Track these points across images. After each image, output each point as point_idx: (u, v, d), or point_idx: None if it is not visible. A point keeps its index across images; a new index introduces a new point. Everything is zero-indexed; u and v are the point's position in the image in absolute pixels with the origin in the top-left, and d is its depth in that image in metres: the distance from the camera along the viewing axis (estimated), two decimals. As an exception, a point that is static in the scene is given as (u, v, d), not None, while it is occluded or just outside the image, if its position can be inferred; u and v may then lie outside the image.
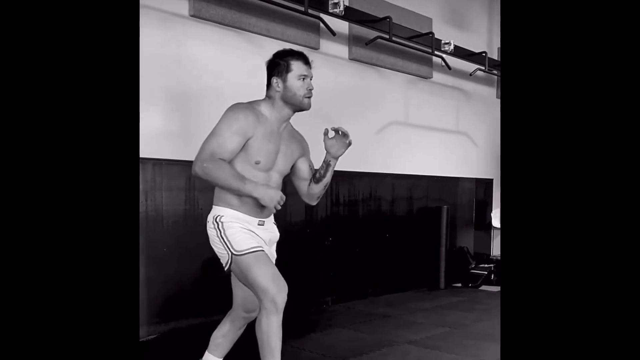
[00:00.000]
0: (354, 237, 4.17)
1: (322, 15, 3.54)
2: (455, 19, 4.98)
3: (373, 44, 4.00)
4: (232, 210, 2.00)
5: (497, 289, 4.77)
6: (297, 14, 3.48)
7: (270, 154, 2.03)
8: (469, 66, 4.82)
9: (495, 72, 5.00)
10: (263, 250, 2.01)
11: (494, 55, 5.25)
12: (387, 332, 3.34)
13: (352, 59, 4.04)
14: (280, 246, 3.67)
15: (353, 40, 4.00)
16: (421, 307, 4.04)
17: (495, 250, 5.44)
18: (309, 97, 2.11)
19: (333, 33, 3.56)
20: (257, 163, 2.01)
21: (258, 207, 2.01)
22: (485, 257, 5.21)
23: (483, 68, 4.78)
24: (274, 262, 2.12)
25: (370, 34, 3.93)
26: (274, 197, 1.93)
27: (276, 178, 2.11)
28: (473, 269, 4.88)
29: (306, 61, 2.09)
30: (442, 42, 4.40)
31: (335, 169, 4.03)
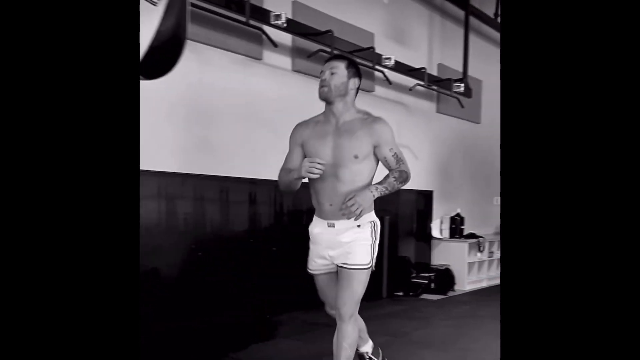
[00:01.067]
0: (298, 247, 4.17)
1: (264, 27, 3.57)
2: (396, 34, 5.14)
3: (316, 57, 4.06)
4: (315, 217, 2.33)
5: (437, 297, 4.89)
6: (238, 25, 3.49)
7: (319, 150, 2.22)
8: (410, 81, 4.97)
9: (434, 87, 5.17)
10: (316, 272, 2.42)
11: (434, 71, 5.44)
12: (330, 342, 3.31)
13: (296, 70, 4.09)
14: (223, 255, 3.65)
15: (296, 52, 4.06)
16: (364, 315, 4.04)
17: (435, 259, 5.58)
18: (321, 87, 2.26)
19: (275, 44, 3.59)
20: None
21: (324, 209, 2.22)
22: (426, 266, 5.35)
23: (422, 83, 4.94)
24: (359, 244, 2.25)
25: (313, 46, 4.00)
26: (305, 165, 2.08)
27: (328, 169, 2.16)
28: (414, 278, 4.99)
29: (326, 60, 2.35)
30: (383, 56, 4.52)
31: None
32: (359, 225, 2.19)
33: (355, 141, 2.17)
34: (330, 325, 3.81)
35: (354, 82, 2.25)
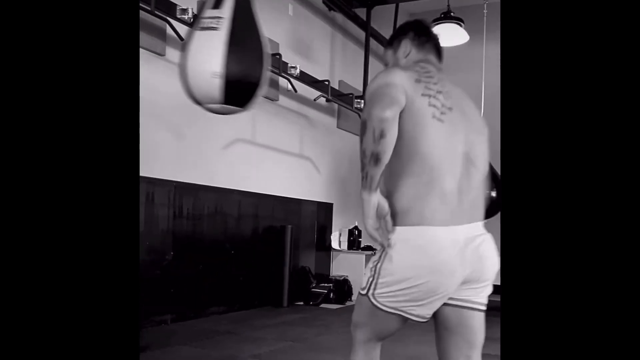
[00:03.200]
0: (197, 253, 4.01)
1: (170, 21, 3.46)
2: (300, 47, 5.24)
3: (221, 59, 4.01)
4: None
5: (336, 306, 4.93)
6: (143, 16, 3.36)
7: None
8: (313, 93, 5.06)
9: (336, 102, 5.32)
10: None
11: (335, 86, 5.60)
12: (230, 348, 3.23)
13: (200, 71, 4.00)
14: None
15: (201, 52, 3.97)
16: (265, 323, 3.99)
17: (335, 270, 5.65)
18: None
19: (181, 38, 3.49)
20: None
21: None
22: (326, 277, 5.39)
23: (326, 95, 5.06)
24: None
25: (219, 47, 3.94)
26: None
27: None
28: (314, 287, 5.00)
29: None
30: (289, 65, 4.57)
31: (179, 180, 3.90)
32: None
33: None
34: (230, 332, 3.69)
35: (403, 49, 1.59)
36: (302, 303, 4.88)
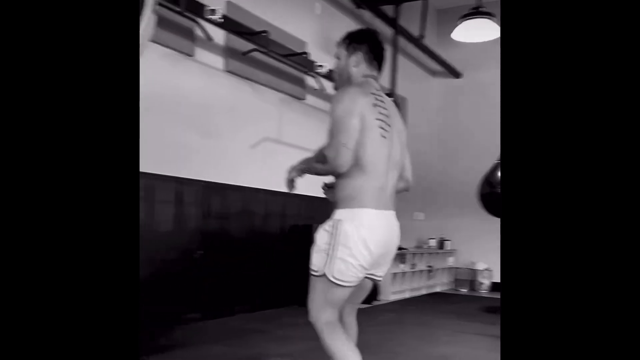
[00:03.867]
0: (224, 252, 4.04)
1: (199, 21, 3.49)
2: (328, 46, 5.22)
3: (249, 59, 4.03)
4: None
5: (363, 305, 4.89)
6: (171, 17, 3.39)
7: None
8: (340, 91, 5.04)
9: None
10: None
11: (362, 84, 5.57)
12: (258, 347, 3.24)
13: (228, 70, 4.02)
14: (145, 257, 3.45)
15: (229, 52, 3.99)
16: (293, 322, 3.99)
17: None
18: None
19: (209, 38, 3.51)
20: None
21: None
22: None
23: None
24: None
25: (246, 47, 3.96)
26: None
27: None
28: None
29: None
30: (316, 63, 4.56)
31: (208, 179, 3.93)
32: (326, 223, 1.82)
33: None
34: (259, 330, 3.71)
35: (355, 58, 1.89)
36: (329, 302, 4.87)
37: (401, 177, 1.94)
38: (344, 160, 1.70)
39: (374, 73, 1.91)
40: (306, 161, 1.90)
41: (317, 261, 1.81)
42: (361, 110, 1.73)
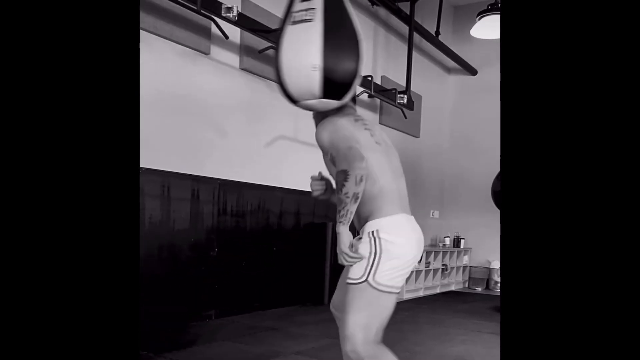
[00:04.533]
0: (240, 249, 4.05)
1: (215, 19, 3.49)
2: (342, 43, 5.20)
3: (264, 57, 4.02)
4: None
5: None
6: (188, 15, 3.40)
7: None
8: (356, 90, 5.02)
9: (379, 97, 5.26)
10: None
11: (378, 81, 5.54)
12: (272, 344, 3.25)
13: (243, 68, 4.02)
14: (162, 254, 3.48)
15: (244, 50, 3.99)
16: (307, 320, 4.01)
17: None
18: None
19: (225, 36, 3.52)
20: None
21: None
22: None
23: (369, 91, 5.01)
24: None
25: (262, 44, 3.95)
26: None
27: None
28: (356, 285, 4.97)
29: None
30: (331, 61, 4.54)
31: (223, 177, 3.94)
32: (360, 237, 1.75)
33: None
34: (272, 328, 3.72)
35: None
36: (343, 300, 4.88)
37: None
38: (359, 158, 1.62)
39: (350, 104, 1.92)
40: (339, 211, 1.68)
41: (357, 269, 1.68)
42: (353, 131, 1.75)
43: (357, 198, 1.63)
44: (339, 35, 1.82)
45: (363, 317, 1.66)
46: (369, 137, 1.76)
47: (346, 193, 1.62)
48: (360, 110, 1.96)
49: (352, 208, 1.63)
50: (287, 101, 1.91)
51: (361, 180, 1.62)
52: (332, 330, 3.72)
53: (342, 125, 1.77)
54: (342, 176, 1.62)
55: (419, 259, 1.83)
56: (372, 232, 1.69)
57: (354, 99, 1.95)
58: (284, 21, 1.91)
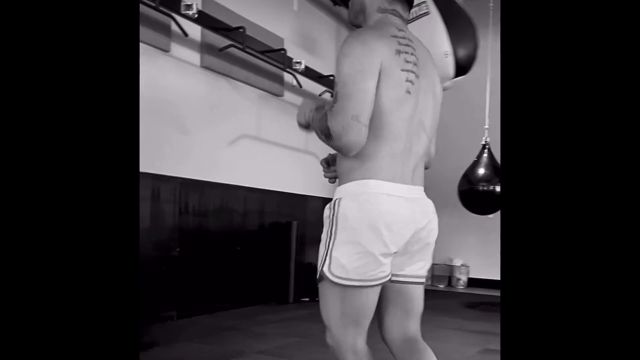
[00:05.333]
0: (203, 249, 4.01)
1: (174, 16, 3.45)
2: (305, 42, 5.22)
3: (226, 55, 4.00)
4: None
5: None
6: (147, 11, 3.34)
7: None
8: (318, 88, 5.04)
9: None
10: None
11: (341, 81, 5.57)
12: (235, 344, 3.23)
13: (204, 66, 3.98)
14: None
15: (205, 48, 3.96)
16: (271, 319, 3.99)
17: (341, 266, 5.63)
18: None
19: (185, 33, 3.48)
20: None
21: None
22: (332, 273, 5.37)
23: (331, 90, 5.04)
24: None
25: (223, 43, 3.93)
26: None
27: None
28: (320, 284, 4.99)
29: None
30: (294, 60, 4.55)
31: (185, 176, 3.89)
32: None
33: None
34: (235, 327, 3.69)
35: None
36: (308, 299, 4.88)
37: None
38: (355, 139, 1.25)
39: (396, 7, 1.44)
40: (316, 118, 1.39)
41: (319, 261, 1.38)
42: (380, 61, 1.29)
43: (325, 137, 1.32)
44: (456, 21, 2.05)
45: (337, 317, 1.39)
46: (396, 72, 1.31)
47: (316, 131, 1.36)
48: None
49: (318, 135, 1.38)
50: None
51: (350, 144, 1.27)
52: (295, 329, 3.74)
53: (370, 43, 1.30)
54: (326, 131, 1.29)
55: (417, 246, 1.40)
56: (335, 201, 1.34)
57: (404, 6, 1.47)
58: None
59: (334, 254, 1.33)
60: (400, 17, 1.44)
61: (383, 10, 1.43)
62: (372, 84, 1.27)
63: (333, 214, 1.33)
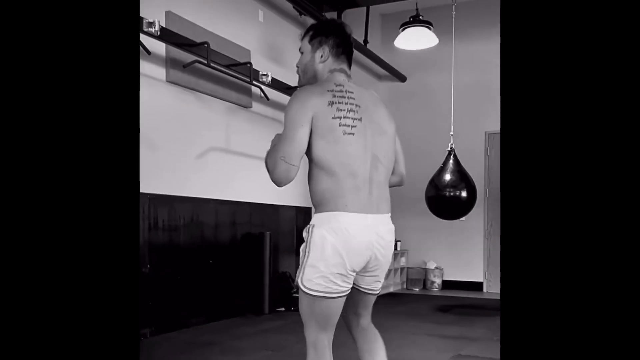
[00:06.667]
0: (175, 264, 3.99)
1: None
2: (271, 53, 5.24)
3: (192, 70, 4.00)
4: None
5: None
6: (110, 29, 3.33)
7: None
8: (286, 99, 5.06)
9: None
10: None
11: (309, 90, 5.61)
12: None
13: (170, 81, 3.98)
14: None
15: (170, 63, 3.95)
16: (246, 332, 3.99)
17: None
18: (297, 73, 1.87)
19: (148, 52, 3.47)
20: None
21: None
22: (307, 281, 5.39)
23: (299, 100, 5.07)
24: None
25: (188, 57, 3.93)
26: None
27: None
28: (295, 293, 5.00)
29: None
30: (260, 73, 4.57)
31: (153, 192, 3.87)
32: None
33: None
34: (210, 342, 3.68)
35: (320, 52, 1.76)
36: (283, 309, 4.89)
37: (394, 171, 1.81)
38: (282, 175, 1.60)
39: (343, 66, 1.77)
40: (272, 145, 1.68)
41: (297, 272, 1.68)
42: (313, 113, 1.59)
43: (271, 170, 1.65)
44: None
45: (307, 317, 1.67)
46: (329, 120, 1.60)
47: (267, 162, 1.68)
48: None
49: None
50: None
51: (278, 178, 1.63)
52: (270, 341, 3.74)
53: (304, 99, 1.62)
54: (272, 158, 1.63)
55: (373, 265, 1.69)
56: (310, 227, 1.64)
57: (349, 61, 1.80)
58: None
59: (306, 270, 1.63)
60: (345, 72, 1.77)
61: (332, 71, 1.76)
62: (302, 132, 1.59)
63: (309, 237, 1.64)
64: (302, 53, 1.82)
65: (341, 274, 1.61)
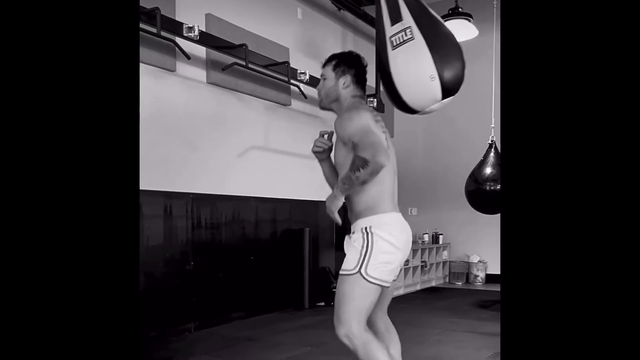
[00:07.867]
0: (217, 261, 4.12)
1: (177, 39, 3.53)
2: (310, 50, 5.26)
3: (231, 70, 4.07)
4: None
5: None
6: (152, 35, 3.44)
7: None
8: (325, 95, 5.08)
9: (349, 101, 5.33)
10: None
11: (348, 85, 5.61)
12: (250, 355, 3.31)
13: (211, 82, 4.07)
14: (140, 271, 3.51)
15: (211, 65, 4.04)
16: (286, 327, 4.08)
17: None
18: (318, 96, 2.13)
19: (188, 57, 3.56)
20: None
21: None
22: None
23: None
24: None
25: (228, 58, 4.00)
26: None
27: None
28: (335, 287, 5.05)
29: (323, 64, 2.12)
30: (298, 71, 4.61)
31: (196, 191, 3.99)
32: (354, 232, 1.92)
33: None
34: (251, 338, 3.78)
35: (344, 80, 2.01)
36: (323, 304, 4.96)
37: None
38: (383, 158, 1.76)
39: (362, 93, 2.05)
40: (344, 180, 1.82)
41: (351, 258, 1.86)
42: (371, 121, 1.87)
43: (363, 184, 1.80)
44: (440, 43, 2.14)
45: (356, 305, 1.85)
46: (384, 139, 1.90)
47: (358, 177, 1.77)
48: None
49: (355, 190, 1.84)
50: (406, 113, 2.29)
51: (376, 174, 1.77)
52: (310, 337, 3.81)
53: (368, 119, 1.88)
54: (361, 162, 1.76)
55: (406, 256, 1.96)
56: (366, 227, 1.87)
57: (364, 89, 2.08)
58: (384, 49, 2.23)
59: (371, 261, 1.83)
60: (364, 98, 2.07)
61: (354, 96, 2.02)
62: (375, 129, 1.85)
63: (368, 235, 1.86)
64: (324, 79, 2.05)
65: (399, 267, 1.92)
